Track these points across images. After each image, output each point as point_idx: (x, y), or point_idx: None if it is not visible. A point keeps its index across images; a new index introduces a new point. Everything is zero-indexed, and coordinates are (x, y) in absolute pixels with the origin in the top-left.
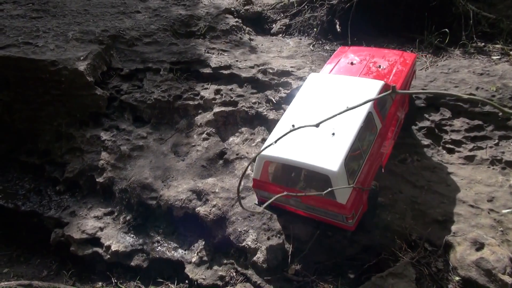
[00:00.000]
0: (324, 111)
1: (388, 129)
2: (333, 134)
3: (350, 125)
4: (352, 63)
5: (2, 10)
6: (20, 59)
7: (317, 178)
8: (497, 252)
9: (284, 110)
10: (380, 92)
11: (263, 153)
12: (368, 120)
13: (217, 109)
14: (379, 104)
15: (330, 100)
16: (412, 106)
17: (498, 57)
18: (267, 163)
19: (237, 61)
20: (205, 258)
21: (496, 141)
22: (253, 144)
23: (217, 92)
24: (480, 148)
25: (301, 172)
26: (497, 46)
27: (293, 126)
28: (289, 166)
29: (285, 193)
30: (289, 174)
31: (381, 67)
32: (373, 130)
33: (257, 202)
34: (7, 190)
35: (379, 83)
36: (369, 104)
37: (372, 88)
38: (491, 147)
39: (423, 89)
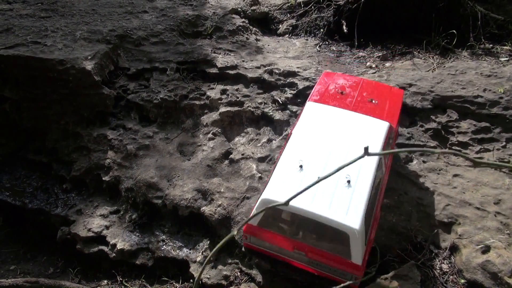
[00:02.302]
0: (332, 150)
1: (387, 174)
2: (349, 181)
3: (365, 171)
4: (342, 93)
5: (11, 9)
6: (29, 58)
7: (330, 232)
8: (504, 255)
9: (290, 111)
10: (387, 133)
11: (268, 197)
12: (379, 166)
13: (223, 109)
14: (386, 147)
15: (337, 138)
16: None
17: (506, 58)
18: (270, 209)
19: (243, 61)
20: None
21: (504, 143)
22: (259, 145)
23: (223, 92)
24: (487, 150)
25: (311, 224)
26: (505, 47)
27: (301, 166)
28: (296, 216)
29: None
30: (296, 224)
31: (373, 102)
32: (379, 177)
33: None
34: (14, 187)
35: (385, 124)
36: (380, 150)
37: (379, 129)
38: (498, 149)
39: (430, 91)
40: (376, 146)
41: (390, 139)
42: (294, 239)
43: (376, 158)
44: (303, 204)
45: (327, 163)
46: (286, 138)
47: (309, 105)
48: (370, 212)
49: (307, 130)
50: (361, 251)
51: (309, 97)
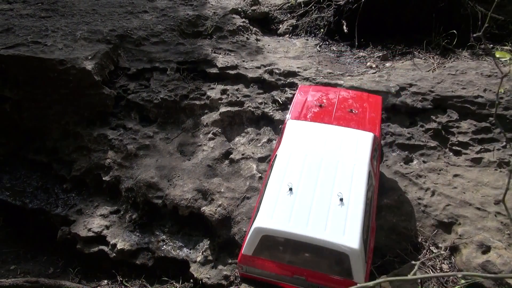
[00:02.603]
0: (320, 167)
1: (377, 183)
2: (341, 199)
3: (356, 185)
4: (320, 106)
5: (12, 9)
6: (29, 58)
7: (328, 254)
8: (504, 255)
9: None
10: (373, 144)
11: (261, 226)
12: (369, 179)
13: (223, 109)
14: (373, 160)
15: (324, 155)
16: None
17: (506, 58)
18: (265, 237)
19: (243, 61)
20: (210, 258)
21: (504, 143)
22: (259, 145)
23: (224, 92)
24: (488, 150)
25: (308, 248)
26: (506, 47)
27: (290, 189)
28: (293, 241)
29: None
30: (292, 249)
31: (353, 112)
32: (371, 189)
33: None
34: (15, 187)
35: (370, 135)
36: (368, 162)
37: (364, 140)
38: (498, 149)
39: (430, 91)
40: (364, 158)
41: (376, 149)
42: (292, 265)
43: (366, 171)
44: (298, 229)
45: (316, 182)
46: (271, 159)
47: (290, 123)
48: (367, 226)
49: (291, 150)
50: (362, 269)
51: (288, 114)
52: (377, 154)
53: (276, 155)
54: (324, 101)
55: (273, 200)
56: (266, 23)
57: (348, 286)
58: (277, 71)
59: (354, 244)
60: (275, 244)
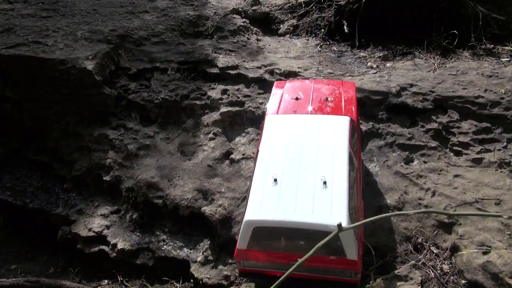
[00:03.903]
0: (302, 156)
1: (360, 165)
2: (324, 182)
3: (338, 167)
4: (297, 99)
5: (12, 9)
6: (30, 58)
7: (320, 235)
8: (504, 255)
9: None
10: (350, 127)
11: (251, 218)
12: (350, 161)
13: (223, 109)
14: (353, 143)
15: (304, 143)
16: (362, 135)
17: (507, 59)
18: (257, 229)
19: (244, 61)
20: (210, 258)
21: (505, 143)
22: None
23: (224, 92)
24: (488, 150)
25: (299, 233)
26: (507, 48)
27: (275, 180)
28: (283, 229)
29: None
30: (283, 238)
31: (328, 100)
32: (353, 170)
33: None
34: (15, 187)
35: (347, 119)
36: (347, 145)
37: (341, 124)
38: (499, 150)
39: (430, 91)
40: (343, 141)
41: (355, 132)
42: (287, 252)
43: (345, 151)
44: (286, 216)
45: (299, 170)
46: (255, 155)
47: (269, 118)
48: (354, 205)
49: (272, 143)
50: (354, 246)
51: (266, 110)
52: (357, 136)
53: (258, 150)
54: (300, 93)
55: (260, 193)
56: (266, 23)
57: (342, 264)
58: (278, 71)
59: (342, 222)
60: (268, 235)
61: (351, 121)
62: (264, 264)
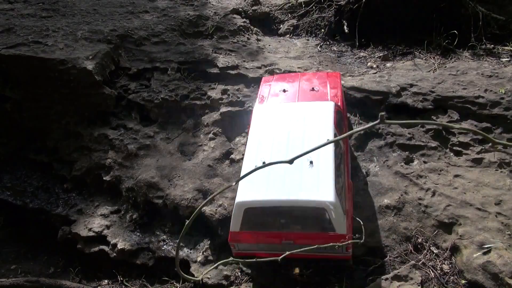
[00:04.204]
0: (289, 139)
1: (347, 147)
2: (311, 162)
3: (324, 149)
4: (284, 90)
5: (12, 9)
6: (30, 58)
7: (309, 213)
8: (504, 255)
9: None
10: (335, 111)
11: (241, 200)
12: (336, 141)
13: (224, 109)
14: (338, 125)
15: (291, 128)
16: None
17: (507, 59)
18: (248, 210)
19: (244, 61)
20: (210, 258)
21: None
22: None
23: (224, 92)
24: (488, 151)
25: (290, 212)
26: (507, 48)
27: (263, 163)
28: (274, 208)
29: None
30: (274, 217)
31: (315, 89)
32: (339, 150)
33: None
34: (15, 187)
35: (331, 103)
36: (332, 126)
37: (326, 109)
38: (499, 150)
39: (430, 91)
40: (328, 124)
41: (340, 116)
42: (279, 231)
43: (331, 133)
44: (275, 195)
45: (287, 153)
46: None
47: (257, 108)
48: (342, 182)
49: (260, 130)
50: (343, 220)
51: (255, 103)
52: (343, 121)
53: (247, 138)
54: (287, 86)
55: (249, 177)
56: (267, 23)
57: (332, 239)
58: (278, 71)
59: (329, 198)
60: (259, 215)
61: (336, 105)
62: (258, 246)
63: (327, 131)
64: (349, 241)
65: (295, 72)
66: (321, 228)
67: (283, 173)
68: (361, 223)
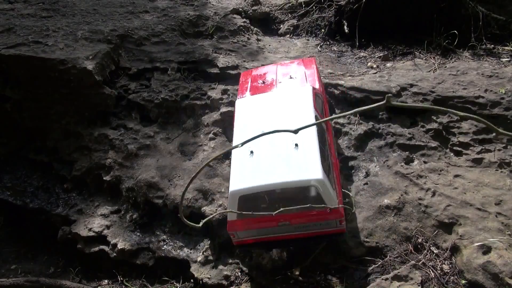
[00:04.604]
0: (273, 125)
1: (330, 128)
2: (296, 145)
3: (307, 132)
4: (264, 82)
5: (13, 9)
6: (30, 58)
7: (301, 193)
8: (504, 256)
9: None
10: (313, 94)
11: (235, 188)
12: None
13: (224, 109)
14: (317, 107)
15: (273, 115)
16: (330, 104)
17: (507, 59)
18: (242, 198)
19: (244, 61)
20: (210, 258)
21: (505, 144)
22: None
23: (224, 92)
24: (488, 151)
25: (283, 194)
26: (507, 48)
27: (251, 152)
28: (266, 193)
29: None
30: (268, 201)
31: (292, 77)
32: (322, 131)
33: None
34: (15, 187)
35: (309, 87)
36: (312, 109)
37: (305, 93)
38: (499, 150)
39: (431, 91)
40: (308, 107)
41: (319, 98)
42: (276, 215)
43: (312, 115)
44: (266, 180)
45: (272, 139)
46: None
47: (239, 101)
48: (327, 161)
49: (245, 121)
50: (333, 195)
51: (238, 96)
52: (323, 104)
53: (233, 130)
54: (266, 77)
55: (239, 166)
56: (267, 23)
57: (326, 215)
58: None
59: (317, 175)
60: (253, 202)
61: (314, 89)
62: (256, 231)
63: (308, 113)
64: (340, 205)
65: None
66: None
67: (271, 158)
68: (351, 195)
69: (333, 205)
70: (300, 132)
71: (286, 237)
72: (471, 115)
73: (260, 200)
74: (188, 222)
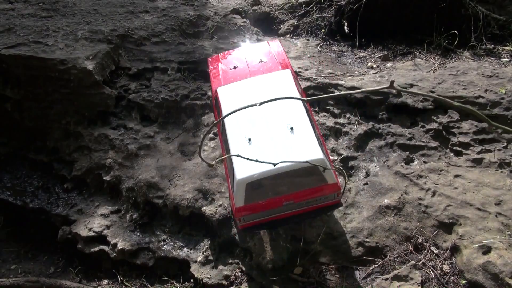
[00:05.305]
0: (265, 113)
1: (309, 107)
2: (291, 128)
3: (298, 115)
4: (235, 67)
5: (13, 9)
6: (30, 57)
7: (303, 172)
8: (504, 256)
9: None
10: (293, 77)
11: (242, 177)
12: (305, 106)
13: None
14: (298, 88)
15: (260, 101)
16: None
17: (507, 59)
18: (249, 185)
19: None
20: (210, 258)
21: (505, 144)
22: None
23: None
24: (489, 151)
25: (286, 176)
26: (507, 48)
27: (249, 140)
28: (271, 177)
29: None
30: (273, 185)
31: (263, 60)
32: (309, 113)
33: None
34: (15, 187)
35: (288, 71)
36: (297, 92)
37: (284, 77)
38: (499, 150)
39: (431, 91)
40: (292, 90)
41: (296, 80)
42: (280, 196)
43: (301, 101)
44: (271, 165)
45: (267, 125)
46: (217, 129)
47: (220, 90)
48: (319, 140)
49: (233, 107)
50: (332, 172)
51: (212, 86)
52: (298, 84)
53: (223, 122)
54: (236, 62)
55: (241, 154)
56: (267, 23)
57: (327, 189)
58: None
59: (318, 155)
60: (259, 187)
61: (291, 71)
62: (262, 213)
63: (293, 95)
64: (331, 167)
65: (295, 72)
66: (316, 183)
67: (271, 145)
68: (342, 168)
69: (332, 180)
70: (291, 115)
71: (288, 214)
72: (465, 106)
73: (266, 184)
74: (204, 159)
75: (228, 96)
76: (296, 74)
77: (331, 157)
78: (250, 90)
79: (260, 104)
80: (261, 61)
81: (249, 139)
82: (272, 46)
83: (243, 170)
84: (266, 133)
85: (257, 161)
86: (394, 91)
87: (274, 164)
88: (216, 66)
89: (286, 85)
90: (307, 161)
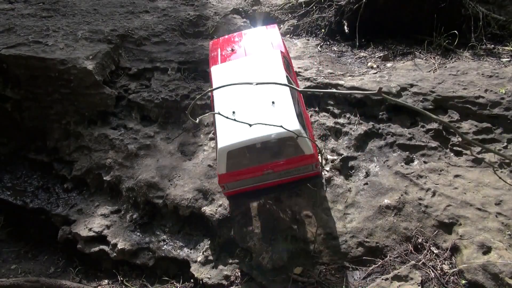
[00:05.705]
0: (250, 88)
1: (297, 85)
2: (273, 102)
3: (281, 91)
4: (233, 50)
5: (13, 9)
6: (30, 57)
7: (281, 143)
8: (505, 256)
9: None
10: (282, 58)
11: (223, 145)
12: (289, 81)
13: None
14: (286, 69)
15: (248, 78)
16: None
17: (507, 59)
18: (230, 153)
19: None
20: (210, 258)
21: (505, 144)
22: None
23: None
24: (489, 150)
25: (266, 146)
26: (507, 48)
27: (233, 112)
28: (251, 146)
29: None
30: (253, 154)
31: (259, 43)
32: (294, 91)
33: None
34: (16, 187)
35: (277, 52)
36: (283, 71)
37: (274, 57)
38: (499, 150)
39: (431, 91)
40: (279, 69)
41: (286, 60)
42: (260, 164)
43: (283, 76)
44: (251, 135)
45: (251, 99)
46: (210, 101)
47: (213, 68)
48: (300, 114)
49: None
50: (309, 143)
51: (210, 66)
52: (289, 65)
53: (213, 97)
54: (234, 45)
55: (224, 125)
56: (267, 23)
57: (303, 160)
58: None
59: (295, 126)
60: (240, 155)
61: (282, 52)
62: (244, 181)
63: (280, 75)
64: (306, 138)
65: (296, 72)
66: (293, 153)
67: (252, 116)
68: (321, 144)
69: (309, 151)
70: (275, 91)
71: (271, 184)
72: (438, 118)
73: (246, 153)
74: (190, 117)
75: (219, 73)
76: (288, 55)
77: (330, 157)
78: (241, 69)
79: (256, 84)
80: (257, 44)
81: (233, 112)
82: (269, 31)
83: (225, 139)
84: (249, 106)
85: (235, 120)
86: (394, 91)
87: (250, 125)
88: (217, 48)
89: (273, 65)
90: (281, 126)
